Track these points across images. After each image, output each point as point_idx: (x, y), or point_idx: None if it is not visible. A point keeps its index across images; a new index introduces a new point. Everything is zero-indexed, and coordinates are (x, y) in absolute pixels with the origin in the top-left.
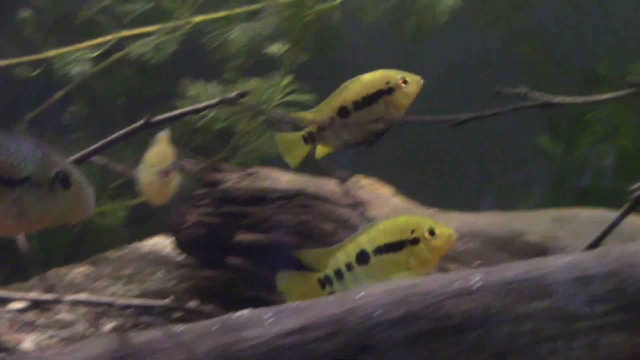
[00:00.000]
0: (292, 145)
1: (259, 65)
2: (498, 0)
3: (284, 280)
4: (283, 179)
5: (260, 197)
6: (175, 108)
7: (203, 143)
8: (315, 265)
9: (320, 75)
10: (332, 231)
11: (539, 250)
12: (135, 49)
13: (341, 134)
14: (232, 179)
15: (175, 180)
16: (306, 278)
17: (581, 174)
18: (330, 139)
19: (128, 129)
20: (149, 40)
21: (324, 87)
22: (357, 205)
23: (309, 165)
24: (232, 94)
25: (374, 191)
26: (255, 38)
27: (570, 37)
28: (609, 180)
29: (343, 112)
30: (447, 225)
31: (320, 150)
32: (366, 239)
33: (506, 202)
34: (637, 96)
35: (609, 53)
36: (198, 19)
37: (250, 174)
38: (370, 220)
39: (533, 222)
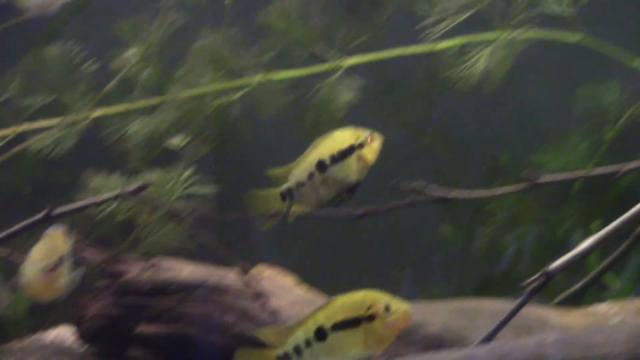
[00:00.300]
0: (269, 203)
1: (163, 156)
2: (400, 91)
3: (243, 358)
4: (185, 271)
5: (162, 289)
6: (78, 199)
7: (105, 234)
8: (274, 343)
9: (223, 168)
10: (233, 323)
11: (439, 342)
12: (36, 143)
13: (319, 190)
14: (134, 270)
15: (65, 276)
16: (265, 355)
17: (483, 264)
18: (309, 196)
19: (29, 221)
20: (50, 133)
21: (226, 178)
22: (259, 296)
23: (211, 256)
24: (133, 187)
25: (276, 282)
26: (154, 132)
27: (474, 128)
28: (510, 270)
29: (320, 167)
30: (403, 302)
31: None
32: (324, 315)
33: (409, 292)
34: (531, 189)
35: (512, 143)
36: (97, 112)
37: (153, 266)
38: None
39: (433, 313)
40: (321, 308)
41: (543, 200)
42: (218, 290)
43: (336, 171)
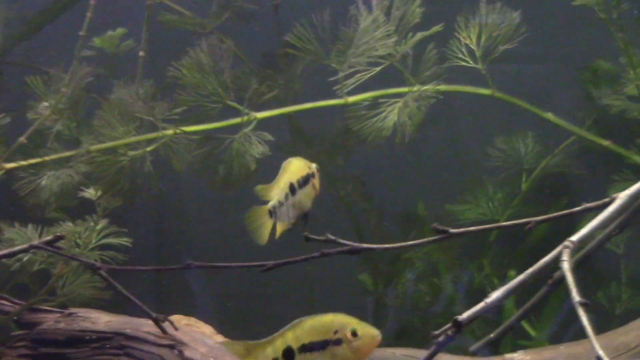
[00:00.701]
0: (260, 218)
1: (78, 207)
2: (317, 143)
3: None
4: (101, 320)
5: (78, 339)
6: None
7: (20, 284)
8: (244, 358)
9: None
10: None
11: None
12: None
13: (290, 211)
14: (50, 320)
15: None
16: None
17: (399, 311)
18: (284, 216)
19: None
20: None
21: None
22: (174, 345)
23: (126, 307)
24: (47, 238)
25: (192, 331)
26: (66, 185)
27: (390, 179)
28: (430, 316)
29: (292, 189)
30: (370, 326)
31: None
32: (292, 336)
33: None
34: (445, 240)
35: (428, 194)
36: (9, 166)
37: (69, 315)
38: None
39: None
40: (290, 328)
41: (460, 249)
42: (134, 339)
43: (301, 195)
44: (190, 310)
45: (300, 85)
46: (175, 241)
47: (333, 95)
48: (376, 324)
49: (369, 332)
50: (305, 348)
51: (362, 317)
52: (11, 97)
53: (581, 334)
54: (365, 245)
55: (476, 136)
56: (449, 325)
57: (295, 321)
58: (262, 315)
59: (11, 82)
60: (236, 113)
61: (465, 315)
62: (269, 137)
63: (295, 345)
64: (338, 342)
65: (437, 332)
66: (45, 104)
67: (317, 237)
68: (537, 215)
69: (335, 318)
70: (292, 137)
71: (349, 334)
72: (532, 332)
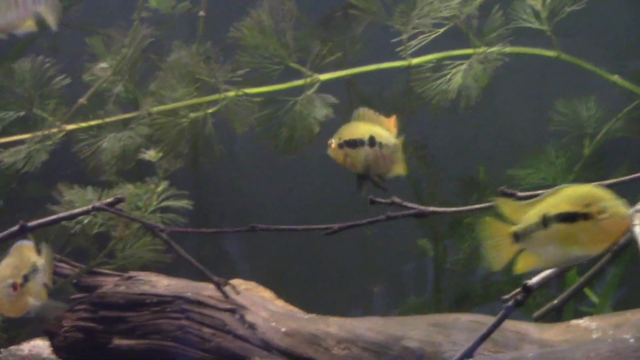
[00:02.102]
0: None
1: (137, 169)
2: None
3: (486, 224)
4: (161, 283)
5: (138, 302)
6: (53, 212)
7: (80, 248)
8: (511, 218)
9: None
10: (210, 336)
11: (418, 356)
12: (7, 158)
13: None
14: (109, 283)
15: (33, 291)
16: (502, 228)
17: (461, 276)
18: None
19: (3, 234)
20: (21, 148)
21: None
22: (236, 310)
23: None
24: (108, 200)
25: (252, 296)
26: (127, 147)
27: (450, 143)
28: (487, 284)
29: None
30: (623, 205)
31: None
32: (551, 202)
33: (388, 305)
34: None
35: (489, 158)
36: (69, 127)
37: (129, 278)
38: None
39: (411, 328)
40: (552, 193)
41: None
42: (195, 303)
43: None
44: (247, 277)
45: (359, 47)
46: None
47: (391, 57)
48: (436, 289)
49: (619, 211)
50: (559, 217)
51: (421, 283)
52: (69, 59)
53: None
54: (431, 209)
55: (538, 100)
56: (518, 290)
57: (558, 187)
58: (319, 283)
59: (68, 44)
60: (297, 75)
61: (535, 280)
62: (333, 99)
63: (551, 213)
64: (586, 216)
65: (507, 297)
66: (103, 65)
67: (382, 200)
68: (599, 181)
69: (590, 191)
70: (350, 100)
71: (597, 210)
72: (595, 299)
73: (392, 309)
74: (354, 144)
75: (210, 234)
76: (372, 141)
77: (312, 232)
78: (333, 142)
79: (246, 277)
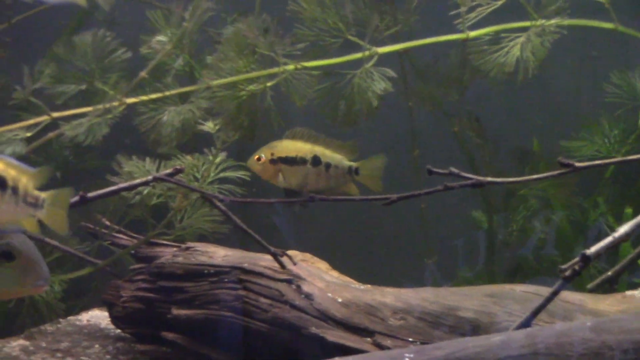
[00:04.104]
0: None
1: (194, 141)
2: (430, 78)
3: None
4: (219, 254)
5: (196, 272)
6: (111, 183)
7: (138, 218)
8: None
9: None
10: (267, 306)
11: (473, 326)
12: (69, 131)
13: None
14: (167, 254)
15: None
16: None
17: (514, 248)
18: None
19: None
20: (82, 121)
21: None
22: (293, 280)
23: (244, 241)
24: (167, 171)
25: (308, 266)
26: (187, 120)
27: (504, 114)
28: (544, 254)
29: None
30: None
31: None
32: None
33: (440, 277)
34: (564, 175)
35: (543, 130)
36: (130, 100)
37: (187, 249)
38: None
39: (467, 298)
40: None
41: (573, 187)
42: (252, 273)
43: None
44: (301, 248)
45: (414, 20)
46: None
47: (444, 30)
48: (489, 262)
49: None
50: None
51: (474, 254)
52: (125, 32)
53: None
54: (489, 179)
55: (592, 71)
56: (576, 259)
57: None
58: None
59: (125, 16)
60: (353, 48)
61: (593, 249)
62: (392, 73)
63: None
64: None
65: (564, 267)
66: (160, 38)
67: (440, 171)
68: None
69: None
70: (403, 72)
71: None
72: None
73: (445, 281)
74: (292, 161)
75: (264, 205)
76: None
77: (362, 204)
78: (263, 157)
79: (300, 249)
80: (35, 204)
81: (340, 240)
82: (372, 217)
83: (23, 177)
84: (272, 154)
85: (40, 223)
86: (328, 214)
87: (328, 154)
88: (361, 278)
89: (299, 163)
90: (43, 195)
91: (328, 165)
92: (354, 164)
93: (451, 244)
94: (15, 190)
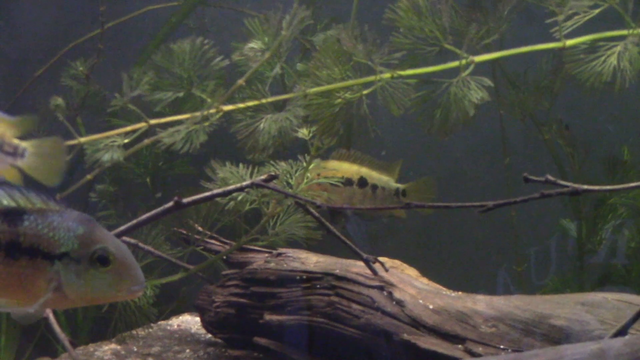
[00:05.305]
0: None
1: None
2: (521, 86)
3: None
4: (310, 260)
5: (288, 278)
6: (204, 189)
7: (228, 224)
8: None
9: None
10: (359, 312)
11: (565, 334)
12: (166, 138)
13: None
14: (260, 260)
15: None
16: None
17: (603, 256)
18: None
19: (158, 210)
20: (180, 128)
21: None
22: (383, 287)
23: (334, 248)
24: (262, 177)
25: (398, 273)
26: (284, 128)
27: (593, 123)
28: (632, 262)
29: None
30: None
31: None
32: None
33: (528, 285)
34: None
35: (632, 139)
36: (227, 108)
37: (279, 255)
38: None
39: (559, 306)
40: None
41: None
42: (344, 280)
43: None
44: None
45: (506, 28)
46: None
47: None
48: (578, 270)
49: None
50: None
51: (564, 262)
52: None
53: None
54: (586, 187)
55: None
56: None
57: None
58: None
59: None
60: (447, 57)
61: None
62: (488, 82)
63: None
64: None
65: None
66: (252, 45)
67: (536, 178)
68: None
69: None
70: (495, 80)
71: None
72: None
73: (533, 289)
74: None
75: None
76: (362, 182)
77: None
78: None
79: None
80: (14, 153)
81: (430, 247)
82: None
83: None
84: (318, 175)
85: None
86: (405, 221)
87: (375, 176)
88: (452, 284)
89: (345, 184)
90: (24, 144)
91: (375, 187)
92: (401, 186)
93: (540, 251)
94: None
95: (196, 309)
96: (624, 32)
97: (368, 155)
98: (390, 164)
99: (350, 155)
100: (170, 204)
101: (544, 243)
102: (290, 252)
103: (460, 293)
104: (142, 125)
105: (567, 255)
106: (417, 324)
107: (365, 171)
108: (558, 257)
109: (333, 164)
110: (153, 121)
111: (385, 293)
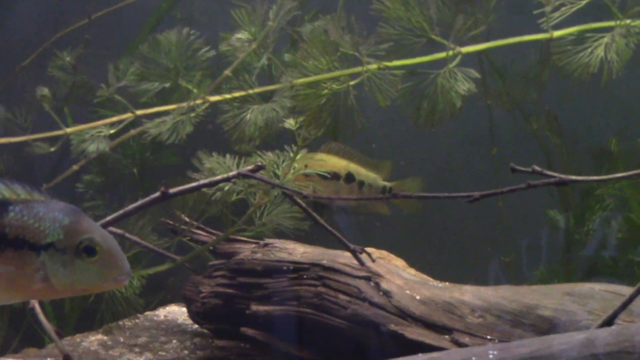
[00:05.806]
0: None
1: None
2: (508, 77)
3: None
4: (297, 251)
5: (275, 269)
6: (190, 179)
7: (216, 215)
8: None
9: None
10: (346, 303)
11: (552, 324)
12: (152, 129)
13: None
14: (247, 250)
15: None
16: None
17: (591, 247)
18: None
19: (145, 200)
20: (166, 119)
21: None
22: (372, 277)
23: (321, 238)
24: (249, 167)
25: (386, 264)
26: (271, 119)
27: (580, 114)
28: (619, 253)
29: None
30: None
31: None
32: None
33: (516, 275)
34: None
35: (620, 129)
36: (214, 99)
37: (266, 245)
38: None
39: (546, 296)
40: None
41: None
42: (331, 270)
43: None
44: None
45: (494, 19)
46: None
47: (523, 29)
48: (565, 261)
49: None
50: None
51: (551, 253)
52: (202, 30)
53: None
54: (572, 177)
55: None
56: None
57: None
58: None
59: (202, 14)
60: (434, 48)
61: None
62: (475, 74)
63: None
64: None
65: None
66: (239, 36)
67: (523, 169)
68: None
69: None
70: (482, 71)
71: None
72: None
73: (521, 280)
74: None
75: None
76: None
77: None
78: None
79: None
80: None
81: (419, 238)
82: (444, 215)
83: None
84: (305, 166)
85: None
86: (395, 215)
87: (363, 172)
88: (440, 275)
89: (332, 178)
90: None
91: (361, 183)
92: (388, 184)
93: (527, 242)
94: None
95: (183, 299)
96: (612, 23)
97: (358, 151)
98: (380, 161)
99: (340, 149)
100: (157, 194)
101: (535, 234)
102: (278, 242)
103: (447, 284)
104: (128, 115)
105: (556, 247)
106: (404, 314)
107: (353, 167)
108: (548, 248)
109: (321, 156)
110: (139, 112)
111: (372, 284)
